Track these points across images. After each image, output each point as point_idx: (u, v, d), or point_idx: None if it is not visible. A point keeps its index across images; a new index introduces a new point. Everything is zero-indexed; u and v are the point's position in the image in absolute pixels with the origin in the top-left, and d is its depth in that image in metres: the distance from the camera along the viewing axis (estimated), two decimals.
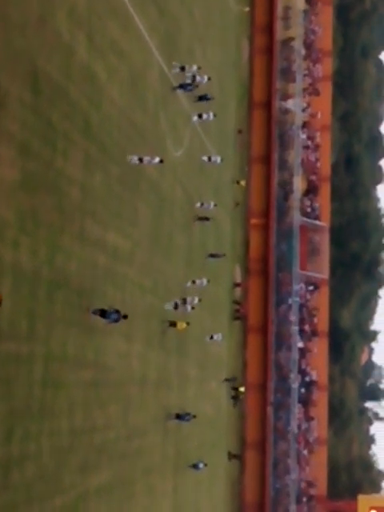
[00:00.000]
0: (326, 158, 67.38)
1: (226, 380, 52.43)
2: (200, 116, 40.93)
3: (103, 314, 24.35)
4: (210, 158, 43.64)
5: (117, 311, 24.66)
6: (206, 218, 43.01)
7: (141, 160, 29.59)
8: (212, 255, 45.51)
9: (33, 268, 19.69)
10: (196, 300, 38.66)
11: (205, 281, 41.42)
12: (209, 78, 39.84)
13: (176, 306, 35.60)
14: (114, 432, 27.22)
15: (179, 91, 36.48)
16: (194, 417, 38.54)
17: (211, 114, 41.84)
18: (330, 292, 66.71)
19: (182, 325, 36.18)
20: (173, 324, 35.53)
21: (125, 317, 25.16)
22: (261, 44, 63.20)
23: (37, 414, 20.01)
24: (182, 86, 36.53)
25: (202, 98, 40.13)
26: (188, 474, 40.36)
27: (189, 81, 36.98)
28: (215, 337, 45.67)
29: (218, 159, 44.60)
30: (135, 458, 30.13)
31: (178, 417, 37.21)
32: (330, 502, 64.44)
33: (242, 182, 57.94)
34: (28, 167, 19.26)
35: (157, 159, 30.56)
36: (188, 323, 36.79)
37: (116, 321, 24.78)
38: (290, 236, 60.86)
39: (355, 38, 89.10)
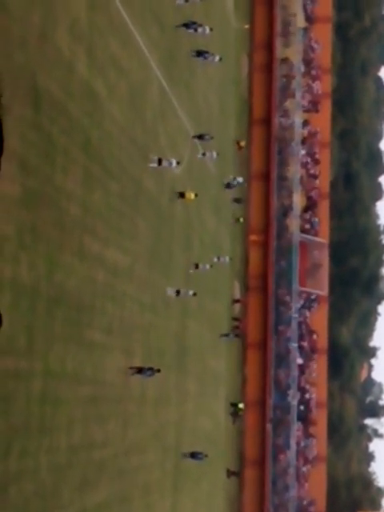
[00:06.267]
0: (326, 175, 67.48)
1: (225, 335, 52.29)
2: (199, 54, 41.00)
3: (139, 371, 28.77)
4: (204, 154, 42.89)
5: (150, 368, 29.22)
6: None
7: (160, 162, 31.33)
8: (199, 136, 41.73)
9: (32, 283, 19.65)
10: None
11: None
12: (210, 29, 40.22)
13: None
14: (113, 449, 27.11)
15: (183, 29, 36.80)
16: (206, 456, 39.51)
17: (217, 58, 42.55)
18: (330, 308, 66.69)
19: (190, 195, 36.24)
20: (182, 195, 36.02)
21: (158, 370, 29.63)
22: (260, 61, 63.39)
23: (35, 431, 19.92)
24: (187, 25, 36.88)
25: (200, 53, 40.51)
26: (187, 491, 40.18)
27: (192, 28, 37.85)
28: (201, 266, 41.93)
29: (214, 154, 44.27)
30: (134, 475, 30.00)
31: (192, 455, 38.54)
32: None
33: (242, 143, 57.63)
34: (28, 183, 19.26)
35: (174, 162, 32.42)
36: (196, 194, 37.21)
37: (151, 375, 29.31)
38: (290, 252, 60.82)
39: (354, 56, 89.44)
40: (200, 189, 42.27)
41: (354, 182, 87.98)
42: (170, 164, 32.47)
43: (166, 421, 35.44)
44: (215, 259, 46.52)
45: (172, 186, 35.86)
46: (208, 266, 43.19)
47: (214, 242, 48.26)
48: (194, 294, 38.60)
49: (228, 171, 52.97)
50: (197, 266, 41.25)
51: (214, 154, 43.93)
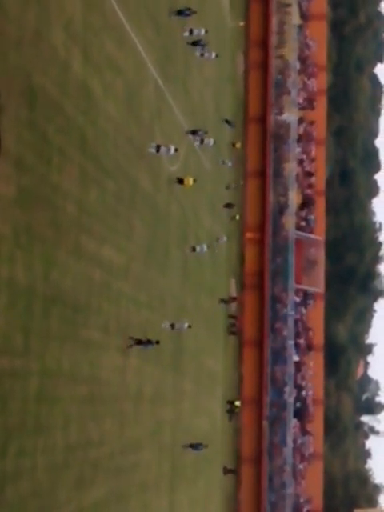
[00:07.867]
0: (321, 172, 67.52)
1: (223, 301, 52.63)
2: (195, 43, 41.10)
3: (139, 342, 29.17)
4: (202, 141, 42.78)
5: (149, 341, 29.68)
6: None
7: (158, 149, 31.70)
8: (192, 132, 41.32)
9: (28, 283, 19.65)
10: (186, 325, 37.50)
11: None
12: (206, 31, 40.62)
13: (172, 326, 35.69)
14: (109, 447, 27.12)
15: (176, 17, 36.78)
16: (207, 447, 40.23)
17: (214, 55, 43.66)
18: (326, 306, 66.71)
19: (189, 180, 36.65)
20: (180, 181, 36.28)
21: (157, 342, 30.05)
22: (256, 58, 63.37)
23: (31, 430, 19.93)
24: (180, 12, 36.92)
25: (195, 43, 40.71)
26: (183, 489, 40.21)
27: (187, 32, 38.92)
28: (198, 248, 42.27)
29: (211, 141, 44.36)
30: (130, 474, 30.02)
31: (192, 446, 39.10)
32: None
33: (238, 145, 57.68)
34: (23, 182, 19.25)
35: (172, 149, 32.73)
36: (195, 180, 37.53)
37: (151, 346, 29.92)
38: (286, 250, 60.84)
39: (350, 53, 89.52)
40: (196, 186, 42.28)
41: (349, 180, 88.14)
42: (168, 151, 32.51)
43: (162, 419, 35.44)
44: (215, 242, 46.90)
45: (168, 183, 35.86)
46: (205, 247, 43.08)
47: (211, 240, 48.21)
48: (189, 326, 37.40)
49: (224, 171, 53.00)
50: (194, 249, 41.06)
51: (211, 141, 43.91)
